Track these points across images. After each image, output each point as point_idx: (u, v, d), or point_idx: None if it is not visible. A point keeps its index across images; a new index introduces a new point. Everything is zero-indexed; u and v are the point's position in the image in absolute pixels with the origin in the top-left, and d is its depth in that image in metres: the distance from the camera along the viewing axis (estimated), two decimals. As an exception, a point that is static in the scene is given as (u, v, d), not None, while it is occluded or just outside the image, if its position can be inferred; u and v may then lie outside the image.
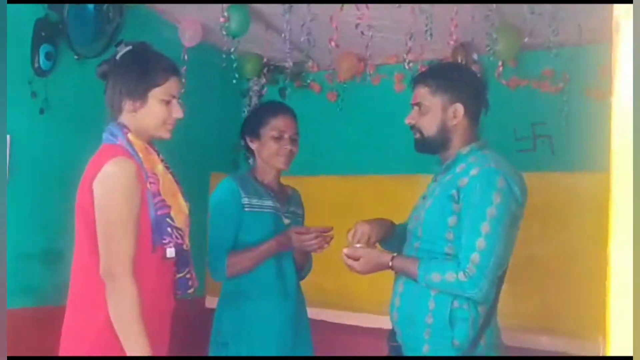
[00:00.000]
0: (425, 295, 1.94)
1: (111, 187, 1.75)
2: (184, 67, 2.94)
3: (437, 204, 1.99)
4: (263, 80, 3.69)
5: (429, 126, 2.04)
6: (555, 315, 2.76)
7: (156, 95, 1.85)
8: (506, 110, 2.93)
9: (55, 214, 2.77)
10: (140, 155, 1.82)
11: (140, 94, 1.84)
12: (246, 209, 2.38)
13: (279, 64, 3.60)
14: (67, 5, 2.61)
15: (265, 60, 3.56)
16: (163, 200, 1.82)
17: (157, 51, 1.97)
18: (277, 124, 2.42)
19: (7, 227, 0.88)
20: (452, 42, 2.82)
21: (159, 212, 1.80)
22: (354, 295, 3.08)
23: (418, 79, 2.10)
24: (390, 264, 1.98)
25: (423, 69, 2.51)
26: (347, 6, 2.69)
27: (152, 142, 1.94)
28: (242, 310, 2.37)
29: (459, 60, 2.97)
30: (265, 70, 3.65)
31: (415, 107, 2.07)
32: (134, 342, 1.73)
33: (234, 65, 3.18)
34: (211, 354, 2.40)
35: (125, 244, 1.74)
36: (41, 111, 2.67)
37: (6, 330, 1.00)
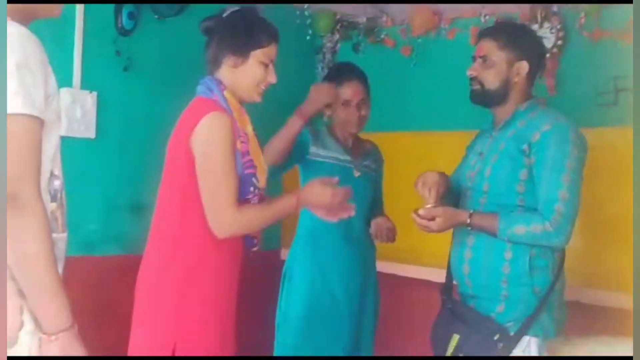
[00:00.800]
0: (500, 246, 1.98)
1: (211, 141, 1.81)
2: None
3: (506, 158, 2.02)
4: (336, 37, 3.68)
5: (492, 79, 2.07)
6: (614, 272, 2.69)
7: (257, 56, 1.91)
8: (587, 63, 2.83)
9: (141, 167, 2.91)
10: (234, 113, 1.88)
11: (243, 52, 1.90)
12: (311, 157, 2.51)
13: (353, 20, 3.59)
14: (148, -34, 2.69)
15: (338, 16, 3.55)
16: (251, 160, 1.88)
17: (263, 16, 2.03)
18: (344, 92, 2.51)
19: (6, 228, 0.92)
20: (528, -4, 2.74)
21: (247, 171, 1.86)
22: (418, 249, 3.09)
23: (486, 33, 2.15)
24: (468, 220, 1.99)
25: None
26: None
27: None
28: (309, 249, 2.51)
29: (538, 13, 2.89)
30: (338, 26, 3.63)
31: (479, 59, 2.10)
32: None
33: (308, 21, 3.20)
34: (280, 290, 2.56)
35: (227, 194, 1.81)
36: (125, 69, 2.79)
37: (6, 328, 1.08)
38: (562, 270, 2.04)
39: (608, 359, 2.02)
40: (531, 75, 2.10)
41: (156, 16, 2.85)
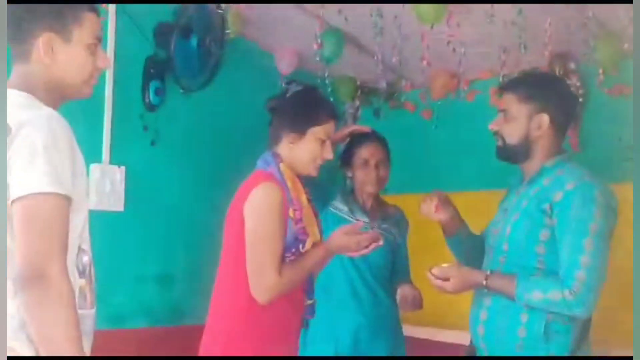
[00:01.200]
0: (516, 308, 1.88)
1: (260, 209, 1.92)
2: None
3: (526, 218, 1.93)
4: (357, 103, 3.75)
5: (512, 134, 2.00)
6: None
7: (315, 133, 2.02)
8: (610, 118, 2.84)
9: (168, 239, 2.94)
10: (289, 184, 1.98)
11: (301, 129, 2.01)
12: (331, 209, 2.58)
13: (373, 86, 3.66)
14: (173, 42, 2.79)
15: (358, 82, 3.63)
16: (304, 228, 1.96)
17: (323, 95, 2.20)
18: (362, 153, 2.59)
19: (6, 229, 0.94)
20: (547, 53, 2.78)
21: (300, 238, 1.95)
22: (435, 310, 3.04)
23: (507, 86, 2.09)
24: (484, 282, 1.90)
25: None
26: (437, 24, 2.71)
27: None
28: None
29: (557, 71, 2.91)
30: (359, 93, 3.71)
31: (501, 114, 2.04)
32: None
33: (329, 89, 3.27)
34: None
35: (270, 260, 1.89)
36: (152, 143, 2.86)
37: (6, 329, 1.09)
38: (587, 339, 1.91)
39: (608, 359, 1.91)
40: (558, 127, 2.00)
41: (182, 91, 2.94)
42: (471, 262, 2.17)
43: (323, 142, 2.03)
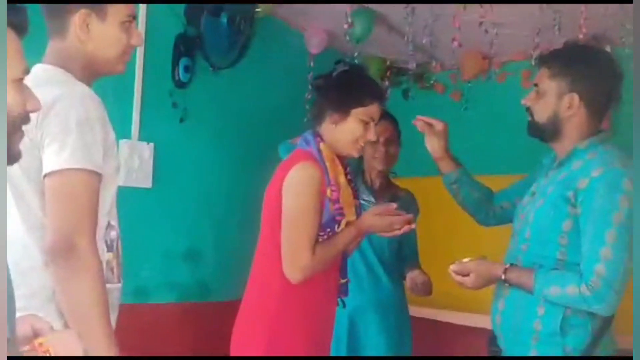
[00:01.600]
0: (533, 300, 1.81)
1: (297, 189, 1.92)
2: (311, 73, 3.05)
3: (550, 205, 1.83)
4: (386, 83, 3.72)
5: (541, 112, 1.88)
6: None
7: (358, 114, 1.99)
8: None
9: (196, 216, 2.97)
10: (327, 163, 1.97)
11: (344, 109, 1.99)
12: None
13: (402, 66, 3.62)
14: (203, 20, 2.79)
15: (388, 62, 3.60)
16: (341, 208, 1.96)
17: (370, 76, 2.17)
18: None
19: (6, 226, 0.98)
20: (581, 36, 2.71)
21: (337, 218, 1.96)
22: (455, 294, 3.04)
23: (542, 59, 1.96)
24: (503, 276, 1.84)
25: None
26: (469, 5, 2.67)
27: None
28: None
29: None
30: (388, 73, 3.68)
31: (535, 88, 1.92)
32: None
33: (358, 69, 3.24)
34: None
35: (304, 240, 1.90)
36: (181, 120, 2.88)
37: (6, 330, 1.13)
38: (609, 333, 1.81)
39: (608, 359, 1.88)
40: (593, 107, 1.85)
41: (211, 68, 2.95)
42: (471, 208, 2.20)
43: (366, 123, 2.00)
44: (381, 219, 1.97)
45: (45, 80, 1.39)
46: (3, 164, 0.95)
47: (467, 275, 1.88)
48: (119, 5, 1.51)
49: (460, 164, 2.24)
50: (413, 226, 2.00)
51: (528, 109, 1.94)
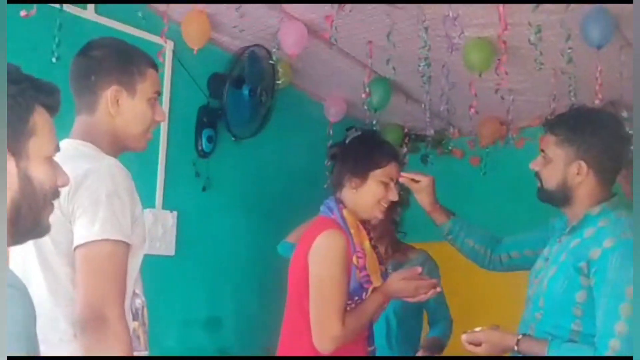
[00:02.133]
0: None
1: (324, 257, 1.92)
2: (330, 142, 3.10)
3: (563, 275, 1.80)
4: (404, 150, 3.76)
5: (549, 179, 1.87)
6: None
7: (376, 176, 2.02)
8: (664, 166, 2.76)
9: (218, 283, 2.98)
10: (352, 230, 1.98)
11: (362, 174, 2.02)
12: None
13: (420, 133, 3.67)
14: (226, 92, 2.88)
15: (406, 130, 3.65)
16: (368, 276, 1.96)
17: (383, 138, 2.20)
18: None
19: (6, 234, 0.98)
20: (597, 101, 2.75)
21: (365, 286, 1.95)
22: None
23: (548, 125, 1.94)
24: (516, 348, 1.79)
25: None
26: (485, 72, 2.73)
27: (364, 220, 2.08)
28: None
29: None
30: (406, 140, 3.73)
31: (542, 153, 1.91)
32: None
33: (377, 136, 3.30)
34: None
35: (334, 311, 1.88)
36: (204, 189, 2.92)
37: (6, 329, 1.13)
38: None
39: (607, 359, 1.79)
40: (604, 174, 1.84)
41: (233, 138, 3.01)
42: (469, 256, 2.18)
43: (386, 184, 2.02)
44: (407, 283, 1.96)
45: (75, 154, 1.45)
46: (3, 164, 0.96)
47: (479, 345, 1.84)
48: (147, 82, 1.57)
49: (453, 214, 2.24)
50: (439, 290, 1.99)
51: (537, 174, 1.93)
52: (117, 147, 1.57)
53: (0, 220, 0.95)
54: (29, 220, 1.03)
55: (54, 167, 1.06)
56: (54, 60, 2.28)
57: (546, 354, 1.74)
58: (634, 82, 1.72)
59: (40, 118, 1.01)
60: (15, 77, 0.99)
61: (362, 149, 2.06)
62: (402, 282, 1.96)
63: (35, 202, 1.02)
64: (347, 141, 2.11)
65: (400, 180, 2.13)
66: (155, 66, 1.62)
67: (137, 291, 1.52)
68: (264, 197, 3.14)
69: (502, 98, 2.93)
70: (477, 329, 1.87)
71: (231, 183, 3.06)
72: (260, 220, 3.03)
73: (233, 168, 3.06)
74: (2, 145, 0.96)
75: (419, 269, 2.01)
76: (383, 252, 2.60)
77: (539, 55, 2.55)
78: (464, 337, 1.87)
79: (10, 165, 0.98)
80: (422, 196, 2.21)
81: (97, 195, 1.37)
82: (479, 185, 3.54)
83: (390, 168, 2.04)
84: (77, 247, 1.36)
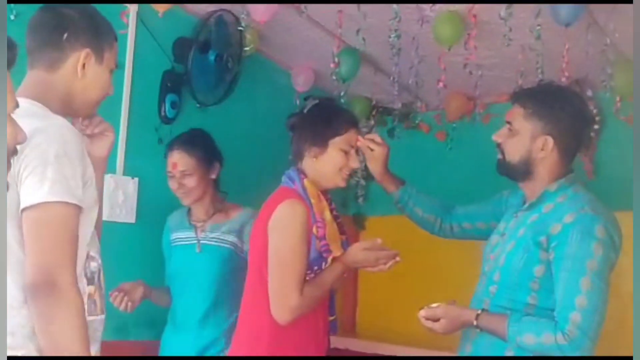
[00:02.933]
0: (500, 343, 1.78)
1: (284, 227, 1.90)
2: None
3: (521, 249, 1.81)
4: (372, 122, 3.75)
5: (513, 151, 1.87)
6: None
7: (336, 144, 2.00)
8: (626, 146, 2.81)
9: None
10: (312, 200, 1.96)
11: (321, 142, 2.00)
12: (173, 244, 2.67)
13: (387, 106, 3.66)
14: (190, 57, 2.81)
15: (373, 102, 3.63)
16: (328, 245, 1.94)
17: (340, 105, 2.15)
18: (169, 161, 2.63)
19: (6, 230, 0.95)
20: (564, 79, 2.77)
21: (325, 255, 1.93)
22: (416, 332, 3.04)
23: (517, 97, 1.94)
24: (474, 322, 1.80)
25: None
26: (454, 47, 2.72)
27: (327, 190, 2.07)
28: None
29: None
30: (373, 112, 3.71)
31: (507, 125, 1.91)
32: None
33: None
34: None
35: (293, 281, 1.86)
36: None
37: (6, 329, 1.10)
38: None
39: (608, 359, 1.85)
40: (565, 150, 1.86)
41: (198, 105, 2.96)
42: (419, 224, 2.21)
43: (346, 152, 2.01)
44: (367, 253, 1.95)
45: (23, 113, 1.39)
46: (3, 165, 0.94)
47: (437, 320, 1.84)
48: (112, 53, 1.55)
49: (403, 183, 2.24)
50: (398, 259, 1.97)
51: (499, 146, 1.93)
52: (67, 110, 1.52)
53: (0, 223, 0.96)
54: None
55: (13, 124, 1.01)
56: (12, 17, 2.20)
57: (506, 328, 1.74)
58: (634, 81, 1.73)
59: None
60: None
61: (320, 117, 2.04)
62: (363, 252, 1.96)
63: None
64: (305, 110, 2.07)
65: (358, 144, 2.10)
66: (117, 39, 1.61)
67: (93, 254, 1.48)
68: (227, 166, 3.09)
69: (470, 73, 2.92)
70: (434, 304, 1.87)
71: (195, 150, 2.99)
72: (224, 188, 2.99)
73: (197, 135, 3.00)
74: (2, 145, 0.94)
75: (379, 240, 1.99)
76: (204, 213, 2.58)
77: (508, 31, 2.54)
78: (422, 312, 1.87)
79: None
80: (374, 164, 2.19)
81: (46, 156, 1.32)
82: (445, 160, 3.55)
83: (350, 135, 2.02)
84: (24, 209, 1.31)
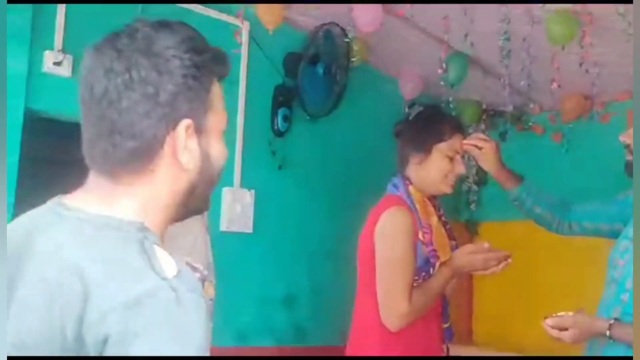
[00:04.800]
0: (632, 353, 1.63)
1: (389, 234, 1.91)
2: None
3: None
4: (483, 126, 3.68)
5: None
6: None
7: (441, 149, 1.98)
8: None
9: (294, 260, 3.03)
10: (417, 206, 1.96)
11: (425, 148, 1.99)
12: None
13: (499, 109, 3.58)
14: (301, 71, 2.89)
15: (484, 106, 3.57)
16: (435, 250, 1.93)
17: (445, 111, 2.16)
18: None
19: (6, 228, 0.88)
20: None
21: (432, 260, 1.92)
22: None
23: None
24: (607, 333, 1.68)
25: None
26: (568, 45, 2.62)
27: (435, 196, 2.05)
28: None
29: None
30: (484, 116, 3.65)
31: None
32: None
33: (453, 113, 3.24)
34: None
35: (401, 288, 1.86)
36: (280, 167, 2.97)
37: (6, 329, 1.14)
38: None
39: (608, 359, 1.68)
40: None
41: (308, 117, 3.03)
42: (537, 221, 2.10)
43: (451, 158, 1.98)
44: (474, 257, 1.89)
45: None
46: (3, 164, 0.92)
47: (565, 329, 1.74)
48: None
49: (522, 179, 2.13)
50: (509, 261, 1.89)
51: (627, 147, 1.82)
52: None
53: (0, 223, 0.87)
54: (200, 199, 0.92)
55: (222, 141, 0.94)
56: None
57: None
58: (634, 81, 1.62)
59: (216, 90, 0.91)
60: (201, 47, 0.88)
61: (424, 123, 2.02)
62: (469, 256, 1.90)
63: (210, 180, 0.92)
64: (410, 117, 2.07)
65: (464, 148, 2.04)
66: None
67: (197, 265, 1.54)
68: (338, 176, 3.15)
69: (587, 71, 2.80)
70: (561, 313, 1.78)
71: (306, 161, 3.08)
72: (335, 197, 3.05)
73: (308, 146, 3.08)
74: (2, 146, 0.92)
75: (487, 244, 1.92)
76: None
77: (628, 26, 2.42)
78: (548, 321, 1.77)
79: (194, 143, 0.87)
80: (486, 162, 2.10)
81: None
82: (561, 162, 3.42)
83: (455, 140, 1.99)
84: None
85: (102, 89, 0.83)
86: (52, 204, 0.87)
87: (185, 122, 0.85)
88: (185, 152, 0.86)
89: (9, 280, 0.81)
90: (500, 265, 1.89)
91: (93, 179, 0.87)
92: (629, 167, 1.83)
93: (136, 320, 0.73)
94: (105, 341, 0.73)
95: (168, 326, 0.75)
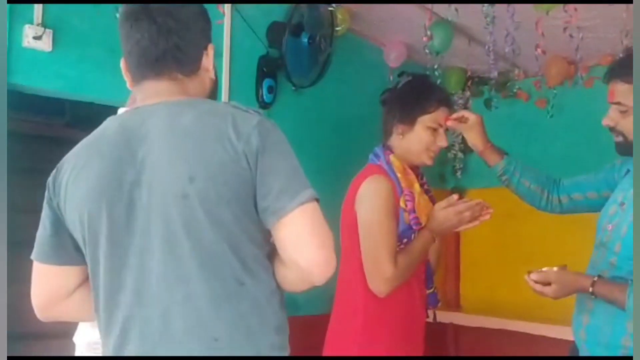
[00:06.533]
0: (622, 314, 1.70)
1: (369, 202, 1.93)
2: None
3: None
4: (468, 93, 3.69)
5: (632, 130, 1.74)
6: None
7: (424, 121, 1.99)
8: None
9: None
10: (398, 174, 1.97)
11: (409, 119, 1.99)
12: None
13: (483, 76, 3.58)
14: (285, 41, 2.87)
15: (469, 73, 3.57)
16: (417, 217, 1.94)
17: (433, 82, 2.14)
18: None
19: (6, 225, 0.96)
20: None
21: (414, 227, 1.94)
22: (535, 305, 2.94)
23: (615, 73, 1.80)
24: (590, 289, 1.73)
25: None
26: (553, 10, 2.62)
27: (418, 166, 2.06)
28: None
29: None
30: (469, 83, 3.65)
31: (614, 106, 1.79)
32: None
33: (438, 80, 3.23)
34: None
35: (385, 254, 1.88)
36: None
37: (6, 330, 1.13)
38: None
39: (608, 359, 1.74)
40: None
41: (293, 88, 3.02)
42: (525, 198, 2.10)
43: (434, 130, 1.99)
44: (447, 212, 1.89)
45: None
46: (3, 164, 0.96)
47: (548, 284, 1.78)
48: None
49: (506, 154, 2.14)
50: (491, 210, 1.89)
51: (612, 130, 1.82)
52: None
53: (0, 222, 0.93)
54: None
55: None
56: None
57: (626, 298, 1.67)
58: (634, 81, 1.62)
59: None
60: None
61: (410, 94, 2.02)
62: (442, 212, 1.90)
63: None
64: (398, 86, 2.07)
65: (447, 124, 2.04)
66: None
67: None
68: (324, 146, 3.15)
69: (571, 36, 2.80)
70: (546, 268, 1.81)
71: (292, 132, 3.03)
72: (323, 169, 3.05)
73: (294, 117, 3.07)
74: (2, 148, 0.94)
75: (455, 196, 1.91)
76: None
77: (610, -11, 2.42)
78: (532, 275, 1.81)
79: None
80: (471, 136, 2.12)
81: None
82: (546, 128, 3.44)
83: (439, 113, 1.99)
84: None
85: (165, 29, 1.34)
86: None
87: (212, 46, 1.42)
88: (210, 65, 1.43)
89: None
90: (482, 218, 1.90)
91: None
92: (621, 147, 1.83)
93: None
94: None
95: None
